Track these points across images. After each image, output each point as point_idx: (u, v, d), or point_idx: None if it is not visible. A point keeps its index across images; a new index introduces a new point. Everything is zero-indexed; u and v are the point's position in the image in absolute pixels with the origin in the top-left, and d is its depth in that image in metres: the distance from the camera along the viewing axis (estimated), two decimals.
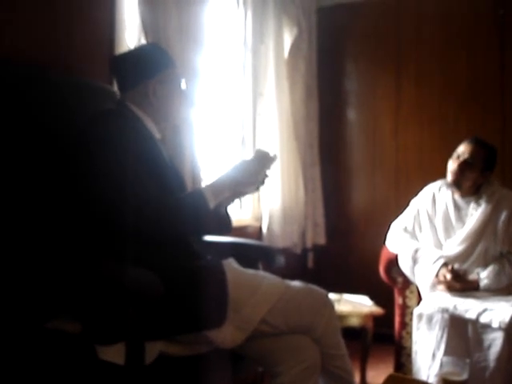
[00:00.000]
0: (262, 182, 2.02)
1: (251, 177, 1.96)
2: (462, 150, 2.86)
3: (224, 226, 2.13)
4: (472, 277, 2.77)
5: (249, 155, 1.92)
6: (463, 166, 2.82)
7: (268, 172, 2.00)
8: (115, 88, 2.27)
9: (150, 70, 1.94)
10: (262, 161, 1.97)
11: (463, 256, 2.81)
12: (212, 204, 1.83)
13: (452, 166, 2.86)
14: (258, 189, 2.07)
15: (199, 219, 1.84)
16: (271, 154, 1.98)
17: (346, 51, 4.44)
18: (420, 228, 2.99)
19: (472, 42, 3.93)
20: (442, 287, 2.78)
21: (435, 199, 2.99)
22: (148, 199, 1.70)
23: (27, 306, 1.72)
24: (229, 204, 2.11)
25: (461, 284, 2.75)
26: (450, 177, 2.87)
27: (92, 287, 1.64)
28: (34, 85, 1.92)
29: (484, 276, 2.74)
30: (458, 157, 2.85)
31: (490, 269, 2.74)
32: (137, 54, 2.05)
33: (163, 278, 1.57)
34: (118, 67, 1.99)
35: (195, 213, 1.81)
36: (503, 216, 2.78)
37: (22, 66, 1.94)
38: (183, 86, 2.04)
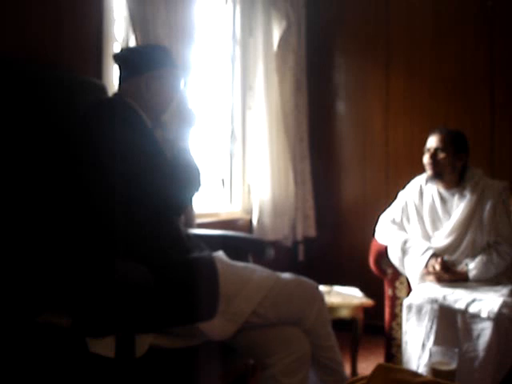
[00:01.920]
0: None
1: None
2: (430, 142, 2.92)
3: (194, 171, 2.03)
4: (461, 268, 2.79)
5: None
6: (436, 154, 2.86)
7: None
8: (104, 81, 2.28)
9: (146, 64, 1.99)
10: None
11: (451, 248, 2.83)
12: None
13: (427, 159, 2.90)
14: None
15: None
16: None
17: (335, 44, 4.44)
18: (408, 220, 3.01)
19: (461, 35, 3.94)
20: (431, 278, 2.80)
21: (422, 191, 3.01)
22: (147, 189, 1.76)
23: (18, 300, 1.72)
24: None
25: (450, 275, 2.77)
26: (428, 171, 2.91)
27: (82, 280, 1.64)
28: (23, 80, 1.91)
29: (472, 267, 2.76)
30: (429, 149, 2.90)
31: (478, 259, 2.76)
32: (138, 49, 2.18)
33: (154, 270, 1.58)
34: (120, 60, 2.04)
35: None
36: (488, 206, 2.80)
37: (10, 62, 1.93)
38: (180, 86, 2.09)
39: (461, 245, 2.82)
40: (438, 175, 2.88)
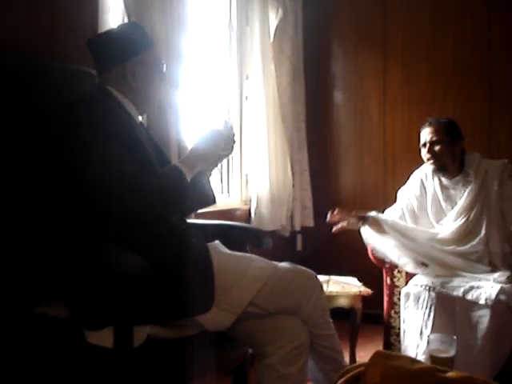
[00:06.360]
0: (232, 149, 2.04)
1: (223, 146, 1.96)
2: (424, 136, 2.88)
3: (208, 197, 2.12)
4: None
5: (217, 126, 1.96)
6: (433, 147, 2.82)
7: (235, 139, 2.04)
8: None
9: (128, 51, 1.89)
10: (229, 130, 2.00)
11: (459, 234, 2.80)
12: (189, 177, 1.83)
13: (426, 154, 2.86)
14: (228, 155, 2.11)
15: (179, 193, 1.83)
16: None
17: (332, 33, 4.42)
18: (412, 217, 2.98)
19: (459, 23, 3.92)
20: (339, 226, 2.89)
21: (424, 185, 2.99)
22: (128, 181, 1.68)
23: (15, 291, 1.71)
24: (208, 174, 2.11)
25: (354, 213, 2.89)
26: (431, 166, 2.86)
27: (80, 272, 1.63)
28: (19, 70, 1.90)
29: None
30: (425, 144, 2.86)
31: None
32: (114, 34, 1.98)
33: (149, 262, 1.57)
34: (96, 49, 1.93)
35: (175, 188, 1.80)
36: (495, 185, 2.76)
37: (6, 52, 1.91)
38: (164, 67, 2.01)
39: (468, 229, 2.79)
40: (442, 168, 2.85)
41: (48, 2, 2.20)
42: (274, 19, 3.91)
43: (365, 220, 2.89)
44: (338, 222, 2.89)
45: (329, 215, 2.88)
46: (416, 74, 4.08)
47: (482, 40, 3.86)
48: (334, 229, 2.90)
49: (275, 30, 3.88)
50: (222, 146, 1.96)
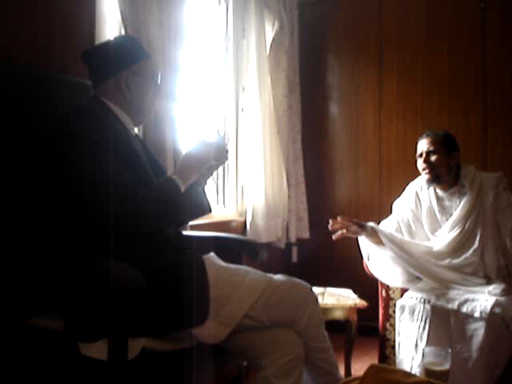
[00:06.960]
0: (226, 159, 2.05)
1: (213, 156, 1.96)
2: (421, 146, 2.89)
3: (203, 206, 2.13)
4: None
5: (206, 137, 1.97)
6: (430, 158, 2.84)
7: (227, 148, 2.05)
8: None
9: (122, 62, 1.91)
10: (221, 140, 2.01)
11: (453, 244, 2.80)
12: (183, 188, 1.84)
13: (422, 164, 2.87)
14: (221, 165, 2.12)
15: (174, 206, 1.83)
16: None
17: (328, 45, 4.45)
18: (407, 230, 2.99)
19: (454, 36, 3.96)
20: (339, 234, 2.89)
21: (419, 197, 2.99)
22: (123, 193, 1.67)
23: (9, 303, 1.71)
24: (203, 184, 2.11)
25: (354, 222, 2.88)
26: (426, 176, 2.88)
27: (74, 283, 1.63)
28: (16, 81, 1.90)
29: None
30: (421, 154, 2.88)
31: None
32: (109, 46, 2.00)
33: (144, 275, 1.56)
34: (91, 60, 1.95)
35: (170, 200, 1.80)
36: (490, 197, 2.76)
37: (3, 63, 1.91)
38: (158, 78, 2.02)
39: (463, 240, 2.79)
40: (436, 178, 2.85)
41: (45, 14, 2.21)
42: (270, 32, 3.92)
43: (363, 229, 2.89)
44: (340, 229, 2.88)
45: (330, 223, 2.87)
46: (411, 87, 4.10)
47: (477, 53, 3.89)
48: (335, 236, 2.89)
49: (271, 43, 3.89)
50: (213, 156, 1.96)
